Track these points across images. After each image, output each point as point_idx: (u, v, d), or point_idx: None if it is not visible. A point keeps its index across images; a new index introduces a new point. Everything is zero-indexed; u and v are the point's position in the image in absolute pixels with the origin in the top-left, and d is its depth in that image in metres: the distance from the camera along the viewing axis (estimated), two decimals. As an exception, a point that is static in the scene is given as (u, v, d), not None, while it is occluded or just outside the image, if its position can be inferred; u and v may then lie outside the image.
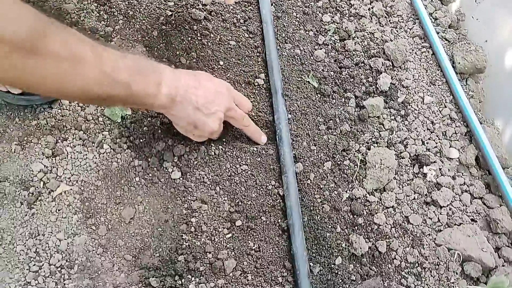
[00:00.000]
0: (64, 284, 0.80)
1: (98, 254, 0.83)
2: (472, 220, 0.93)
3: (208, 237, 0.86)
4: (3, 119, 0.93)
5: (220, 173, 0.93)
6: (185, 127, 0.88)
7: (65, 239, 0.83)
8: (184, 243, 0.85)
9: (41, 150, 0.91)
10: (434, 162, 0.99)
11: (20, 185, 0.87)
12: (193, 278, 0.82)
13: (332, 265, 0.87)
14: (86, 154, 0.92)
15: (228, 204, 0.90)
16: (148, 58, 0.99)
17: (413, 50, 1.15)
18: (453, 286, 0.86)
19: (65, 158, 0.91)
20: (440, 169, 0.98)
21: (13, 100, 0.92)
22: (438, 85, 1.10)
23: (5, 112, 0.94)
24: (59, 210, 0.86)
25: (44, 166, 0.89)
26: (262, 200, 0.91)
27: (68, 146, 0.92)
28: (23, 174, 0.88)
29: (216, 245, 0.86)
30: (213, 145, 0.95)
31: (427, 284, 0.87)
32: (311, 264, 0.87)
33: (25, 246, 0.82)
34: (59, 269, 0.81)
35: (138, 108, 0.94)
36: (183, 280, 0.82)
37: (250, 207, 0.90)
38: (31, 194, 0.86)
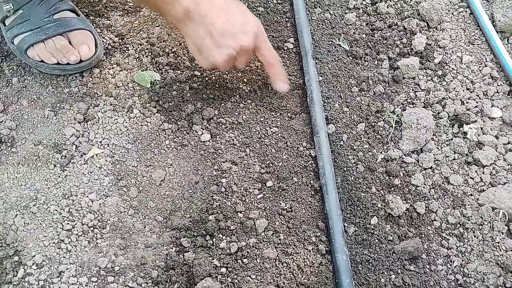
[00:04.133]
0: (97, 243, 0.80)
1: (129, 215, 0.84)
2: (518, 179, 0.88)
3: (238, 198, 0.85)
4: (37, 87, 0.95)
5: (250, 136, 0.91)
6: (190, 46, 0.84)
7: (97, 200, 0.84)
8: (215, 203, 0.84)
9: (73, 115, 0.92)
10: (475, 121, 0.93)
11: (53, 149, 0.88)
12: (224, 237, 0.80)
13: (368, 225, 0.83)
14: (116, 119, 0.92)
15: (258, 166, 0.88)
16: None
17: (449, 10, 1.10)
18: (498, 246, 0.81)
19: (96, 123, 0.91)
20: (481, 128, 0.93)
21: (47, 69, 0.94)
22: (477, 45, 1.05)
23: (38, 80, 0.96)
24: (91, 172, 0.87)
25: (76, 130, 0.90)
26: (293, 161, 0.89)
27: (99, 111, 0.93)
28: (56, 138, 0.89)
29: (247, 205, 0.84)
30: (243, 107, 0.94)
31: (470, 245, 0.82)
32: (346, 224, 0.84)
33: (58, 206, 0.83)
34: (91, 228, 0.81)
35: (160, 13, 0.88)
36: (214, 239, 0.80)
37: (281, 168, 0.88)
38: (64, 157, 0.87)
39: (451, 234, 0.83)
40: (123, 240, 0.81)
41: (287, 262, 0.79)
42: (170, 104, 0.93)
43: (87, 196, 0.84)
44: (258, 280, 0.77)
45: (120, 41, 1.02)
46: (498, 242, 0.81)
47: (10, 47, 0.96)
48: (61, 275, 0.76)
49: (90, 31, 0.95)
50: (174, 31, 1.02)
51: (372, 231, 0.83)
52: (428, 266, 0.80)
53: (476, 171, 0.89)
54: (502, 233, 0.82)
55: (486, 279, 0.78)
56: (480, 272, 0.79)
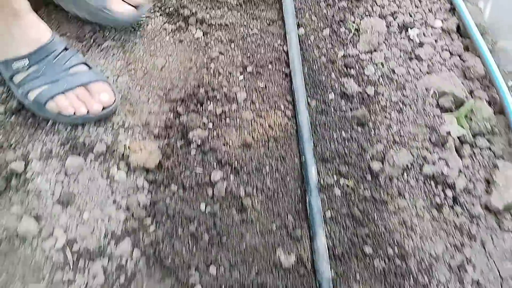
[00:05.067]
0: (111, 107, 1.01)
1: (136, 90, 1.04)
2: (449, 70, 1.09)
3: (224, 78, 1.06)
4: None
5: (235, 35, 1.12)
6: None
7: (111, 77, 1.05)
8: (205, 81, 1.05)
9: (91, 17, 1.13)
10: (419, 28, 1.15)
11: (75, 40, 1.09)
12: (211, 103, 1.02)
13: (326, 100, 1.05)
14: (126, 20, 1.13)
15: (241, 57, 1.09)
16: None
17: None
18: (428, 114, 1.02)
19: (110, 22, 1.12)
20: (423, 33, 1.14)
21: (68, 119, 0.95)
22: (427, -27, 1.26)
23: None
24: (105, 58, 1.07)
25: (92, 27, 1.11)
26: (269, 54, 1.10)
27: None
28: (79, 31, 1.10)
29: (231, 84, 1.05)
30: (230, 14, 1.15)
31: (407, 116, 1.03)
32: (309, 99, 1.05)
33: (80, 79, 1.03)
34: (106, 97, 1.02)
35: None
36: (203, 105, 1.02)
37: (259, 58, 1.09)
38: (83, 46, 1.08)
39: (393, 109, 1.05)
40: (131, 106, 1.02)
41: (260, 122, 1.00)
42: (170, 9, 1.15)
43: (103, 73, 1.05)
44: (237, 133, 0.98)
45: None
46: (428, 111, 1.02)
47: (23, 103, 0.95)
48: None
49: (106, 82, 0.99)
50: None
51: (329, 104, 1.04)
52: (372, 130, 1.02)
53: (416, 64, 1.10)
54: (432, 105, 1.03)
55: (416, 137, 0.99)
56: (412, 133, 1.00)
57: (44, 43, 0.93)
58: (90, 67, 0.99)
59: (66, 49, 0.96)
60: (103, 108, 0.95)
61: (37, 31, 0.93)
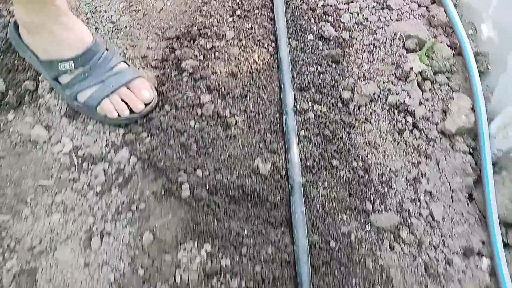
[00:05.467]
0: (113, 40, 1.14)
1: (136, 28, 1.17)
2: (416, 18, 1.22)
3: (215, 19, 1.19)
4: None
5: (226, -16, 1.25)
6: None
7: (114, 15, 1.18)
8: (198, 21, 1.18)
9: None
10: (392, -17, 1.28)
11: (83, -17, 1.22)
12: (202, 40, 1.15)
13: (305, 40, 1.17)
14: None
15: (231, 2, 1.22)
16: None
17: None
18: (394, 54, 1.15)
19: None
20: (396, -13, 1.27)
21: (116, 121, 1.00)
22: None
23: None
24: (110, 0, 1.20)
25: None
26: (256, 1, 1.23)
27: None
28: (86, -23, 1.23)
29: (221, 24, 1.18)
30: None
31: (377, 57, 1.16)
32: (290, 39, 1.18)
33: (85, 16, 1.16)
34: (109, 32, 1.15)
35: None
36: (196, 41, 1.14)
37: (247, 4, 1.22)
38: (91, -11, 1.21)
39: (365, 51, 1.17)
40: (132, 41, 1.15)
41: (246, 56, 1.13)
42: (169, -39, 1.28)
43: (107, 12, 1.18)
44: (225, 65, 1.11)
45: None
46: (395, 52, 1.15)
47: (71, 105, 1.01)
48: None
49: (143, 78, 1.04)
50: None
51: (307, 43, 1.17)
52: (345, 68, 1.14)
53: (387, 13, 1.23)
54: (399, 47, 1.16)
55: (383, 73, 1.12)
56: (380, 69, 1.13)
57: (89, 44, 0.97)
58: (128, 65, 1.04)
59: (107, 49, 1.01)
60: (145, 105, 1.00)
61: (79, 31, 0.96)
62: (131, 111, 1.01)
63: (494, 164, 1.03)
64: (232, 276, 0.88)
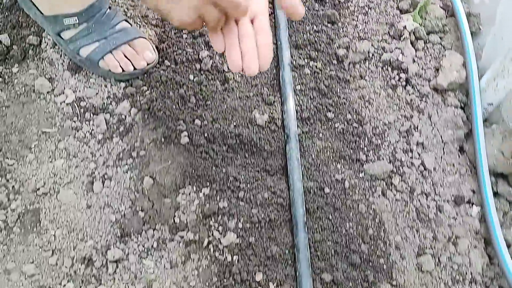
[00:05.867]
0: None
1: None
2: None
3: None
4: None
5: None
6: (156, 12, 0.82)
7: (115, -23, 1.21)
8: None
9: None
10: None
11: None
12: None
13: (302, 1, 1.20)
14: None
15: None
16: None
17: None
18: (389, 15, 1.18)
19: None
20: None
21: (118, 76, 1.03)
22: None
23: None
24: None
25: None
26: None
27: None
28: None
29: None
30: None
31: (371, 18, 1.19)
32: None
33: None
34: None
35: None
36: (195, 2, 1.17)
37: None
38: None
39: (360, 13, 1.20)
40: (133, 1, 1.18)
41: (244, 16, 1.16)
42: None
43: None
44: None
45: None
46: (389, 12, 1.18)
47: (74, 59, 1.03)
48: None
49: (145, 38, 1.04)
50: None
51: (304, 3, 1.20)
52: (341, 29, 1.17)
53: (382, -23, 1.26)
54: (393, 7, 1.19)
55: (377, 33, 1.16)
56: (374, 29, 1.16)
57: (93, 0, 0.96)
58: (131, 24, 1.05)
59: (109, 7, 1.01)
60: (147, 64, 1.03)
61: None
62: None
63: (485, 119, 1.06)
64: (229, 217, 0.91)
